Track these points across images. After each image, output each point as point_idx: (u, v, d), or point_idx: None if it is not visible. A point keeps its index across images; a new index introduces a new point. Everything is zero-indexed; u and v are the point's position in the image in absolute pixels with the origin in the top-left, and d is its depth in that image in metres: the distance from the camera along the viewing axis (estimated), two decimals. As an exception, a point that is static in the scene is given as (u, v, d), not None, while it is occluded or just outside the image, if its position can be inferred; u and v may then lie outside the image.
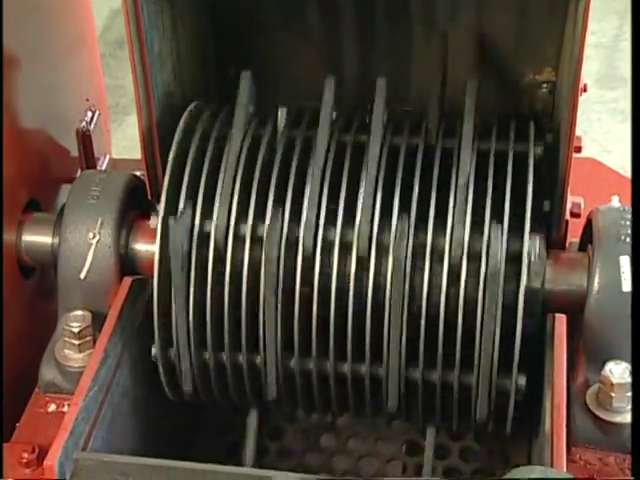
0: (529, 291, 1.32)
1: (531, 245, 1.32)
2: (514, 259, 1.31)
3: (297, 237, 1.33)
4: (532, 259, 1.33)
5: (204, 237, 1.35)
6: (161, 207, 1.37)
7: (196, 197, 1.37)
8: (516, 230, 1.31)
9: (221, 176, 1.37)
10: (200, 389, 1.42)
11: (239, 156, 1.38)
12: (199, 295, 1.34)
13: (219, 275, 1.34)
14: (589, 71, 1.32)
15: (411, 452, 1.58)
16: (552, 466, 1.20)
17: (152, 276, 1.37)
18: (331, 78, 1.41)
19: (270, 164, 1.38)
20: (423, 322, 1.31)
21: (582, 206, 1.48)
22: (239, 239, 1.35)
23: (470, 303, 1.30)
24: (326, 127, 1.38)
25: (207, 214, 1.36)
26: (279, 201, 1.35)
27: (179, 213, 1.35)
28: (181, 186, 1.37)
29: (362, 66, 1.63)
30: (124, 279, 1.45)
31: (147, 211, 1.53)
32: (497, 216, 1.31)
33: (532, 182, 1.33)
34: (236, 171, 1.36)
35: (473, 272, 1.30)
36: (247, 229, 1.35)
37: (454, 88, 1.44)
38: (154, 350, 1.39)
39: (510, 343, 1.29)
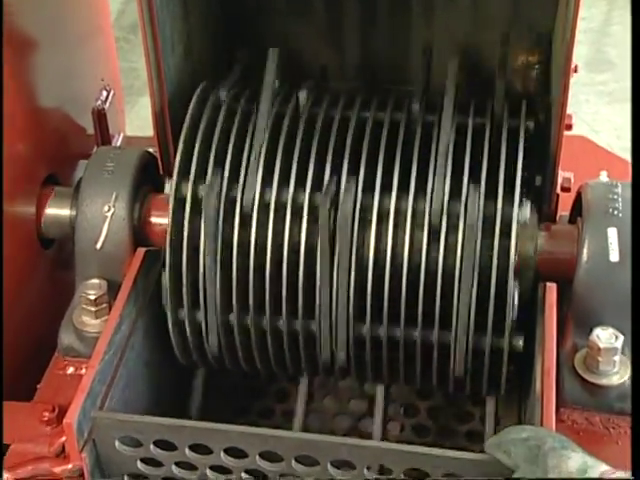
0: (523, 253, 1.31)
1: (522, 209, 1.30)
2: (507, 224, 1.30)
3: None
4: (524, 222, 1.31)
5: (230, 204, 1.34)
6: (175, 170, 1.37)
7: (207, 165, 1.36)
8: (509, 196, 1.30)
9: (247, 145, 1.36)
10: (224, 351, 1.40)
11: (265, 127, 1.36)
12: (227, 259, 1.33)
13: (245, 241, 1.33)
14: (578, 55, 1.32)
15: (409, 414, 1.58)
16: (542, 425, 1.19)
17: (165, 246, 1.36)
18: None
19: (294, 136, 1.37)
20: (422, 281, 1.30)
21: (572, 181, 1.48)
22: (264, 206, 1.34)
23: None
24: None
25: (232, 180, 1.35)
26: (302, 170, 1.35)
27: (207, 180, 1.34)
28: (193, 154, 1.36)
29: (363, 49, 1.62)
30: (137, 250, 1.44)
31: (159, 185, 1.53)
32: (492, 182, 1.30)
33: (522, 150, 1.32)
34: (263, 141, 1.35)
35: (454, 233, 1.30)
36: (272, 196, 1.33)
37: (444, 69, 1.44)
38: (170, 319, 1.38)
39: (504, 304, 1.28)
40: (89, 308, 1.42)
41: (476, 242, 1.28)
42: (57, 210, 1.53)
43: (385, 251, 1.31)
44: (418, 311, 1.30)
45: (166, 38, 1.42)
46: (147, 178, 1.52)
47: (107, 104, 1.79)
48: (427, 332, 1.32)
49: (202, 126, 1.38)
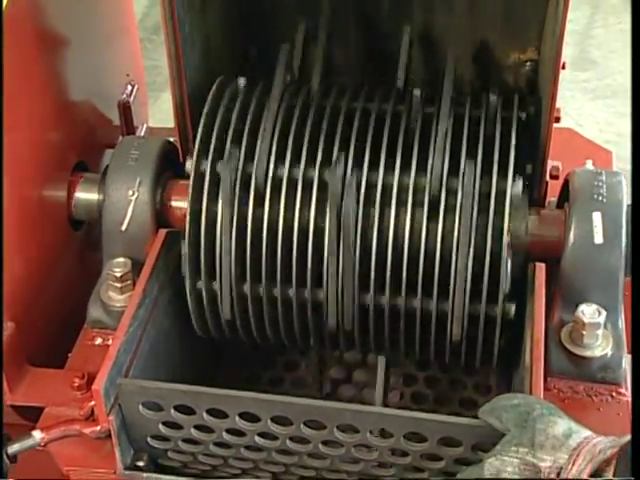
0: (515, 232, 1.31)
1: (516, 183, 1.29)
2: (502, 197, 1.28)
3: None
4: (517, 196, 1.29)
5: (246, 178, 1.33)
6: (195, 148, 1.35)
7: (224, 145, 1.34)
8: (503, 171, 1.29)
9: (261, 127, 1.34)
10: (237, 319, 1.38)
11: (277, 113, 1.35)
12: (242, 230, 1.32)
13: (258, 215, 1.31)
14: (564, 55, 1.31)
15: (407, 383, 1.58)
16: (531, 394, 1.19)
17: (184, 227, 1.35)
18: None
19: (305, 118, 1.36)
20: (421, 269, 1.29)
21: (560, 169, 1.47)
22: (277, 181, 1.32)
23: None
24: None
25: (247, 157, 1.34)
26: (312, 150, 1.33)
27: (226, 156, 1.32)
28: (212, 135, 1.35)
29: (367, 46, 1.60)
30: (159, 231, 1.43)
31: (179, 172, 1.51)
32: (488, 161, 1.29)
33: (515, 135, 1.31)
34: (275, 123, 1.34)
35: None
36: (284, 171, 1.32)
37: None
38: (187, 288, 1.36)
39: (498, 275, 1.27)
40: (115, 284, 1.41)
41: (472, 213, 1.26)
42: (86, 194, 1.52)
43: (388, 225, 1.29)
44: (418, 280, 1.29)
45: (186, 36, 1.41)
46: (168, 165, 1.50)
47: (132, 98, 1.78)
48: (427, 300, 1.30)
49: (221, 111, 1.37)
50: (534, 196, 1.42)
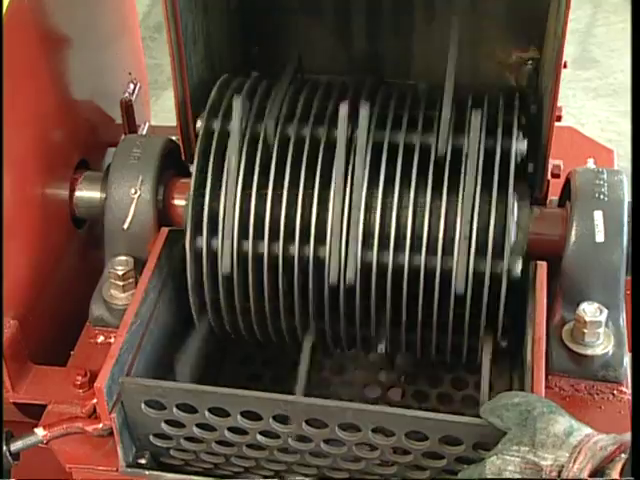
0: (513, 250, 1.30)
1: (520, 142, 1.30)
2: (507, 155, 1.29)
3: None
4: (517, 208, 1.30)
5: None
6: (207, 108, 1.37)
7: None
8: (503, 188, 1.28)
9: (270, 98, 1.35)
10: (236, 280, 1.35)
11: (282, 103, 1.36)
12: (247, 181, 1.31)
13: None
14: (566, 54, 1.31)
15: (409, 381, 1.57)
16: (532, 392, 1.18)
17: (185, 227, 1.35)
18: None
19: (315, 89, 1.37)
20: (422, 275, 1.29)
21: (562, 168, 1.46)
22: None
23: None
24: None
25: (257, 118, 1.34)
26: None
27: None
28: (212, 144, 1.35)
29: (370, 45, 1.60)
30: (161, 229, 1.43)
31: (181, 170, 1.51)
32: (487, 176, 1.28)
33: (515, 144, 1.30)
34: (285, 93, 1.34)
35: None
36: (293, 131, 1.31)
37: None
38: (190, 288, 1.36)
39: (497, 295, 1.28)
40: (117, 282, 1.41)
41: (477, 169, 1.25)
42: (88, 193, 1.52)
43: (394, 182, 1.28)
44: (423, 238, 1.28)
45: (188, 35, 1.41)
46: (170, 164, 1.50)
47: (134, 96, 1.78)
48: (431, 257, 1.29)
49: (228, 94, 1.38)
50: (536, 195, 1.41)
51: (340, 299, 1.34)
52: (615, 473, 0.98)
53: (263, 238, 1.31)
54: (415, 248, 1.28)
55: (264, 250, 1.32)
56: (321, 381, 1.57)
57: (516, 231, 1.32)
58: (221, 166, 1.34)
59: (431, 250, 1.28)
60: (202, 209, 1.33)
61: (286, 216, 1.30)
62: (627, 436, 1.00)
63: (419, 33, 1.56)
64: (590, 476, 1.00)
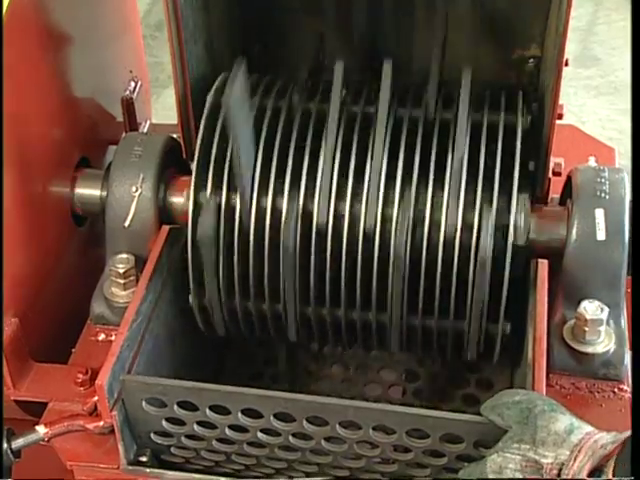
0: (515, 246, 1.30)
1: (518, 205, 1.29)
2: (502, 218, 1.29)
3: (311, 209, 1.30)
4: (518, 220, 1.30)
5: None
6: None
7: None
8: (505, 193, 1.29)
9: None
10: (231, 330, 1.40)
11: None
12: (227, 253, 1.32)
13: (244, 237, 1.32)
14: (567, 51, 1.31)
15: (410, 379, 1.57)
16: (533, 390, 1.18)
17: (186, 225, 1.35)
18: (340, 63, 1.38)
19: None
20: (423, 275, 1.29)
21: (563, 166, 1.46)
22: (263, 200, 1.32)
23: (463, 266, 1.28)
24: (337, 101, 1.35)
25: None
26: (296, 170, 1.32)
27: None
28: (213, 142, 1.34)
29: (371, 44, 1.59)
30: (162, 227, 1.43)
31: (182, 168, 1.51)
32: (488, 182, 1.28)
33: (519, 147, 1.30)
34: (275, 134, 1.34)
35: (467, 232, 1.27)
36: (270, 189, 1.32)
37: (452, 63, 1.41)
38: (191, 299, 1.37)
39: (498, 291, 1.27)
40: (118, 280, 1.41)
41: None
42: (89, 190, 1.52)
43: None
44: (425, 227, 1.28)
45: (189, 31, 1.40)
46: (171, 161, 1.50)
47: (135, 94, 1.78)
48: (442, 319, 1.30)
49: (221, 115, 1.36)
50: (537, 193, 1.41)
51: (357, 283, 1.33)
52: (610, 471, 0.98)
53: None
54: (433, 233, 1.28)
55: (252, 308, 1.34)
56: (324, 378, 1.58)
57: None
58: (222, 164, 1.34)
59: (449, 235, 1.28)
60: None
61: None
62: (627, 434, 1.00)
63: (420, 31, 1.56)
64: (589, 474, 1.00)
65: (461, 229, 1.27)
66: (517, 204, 1.28)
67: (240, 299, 1.35)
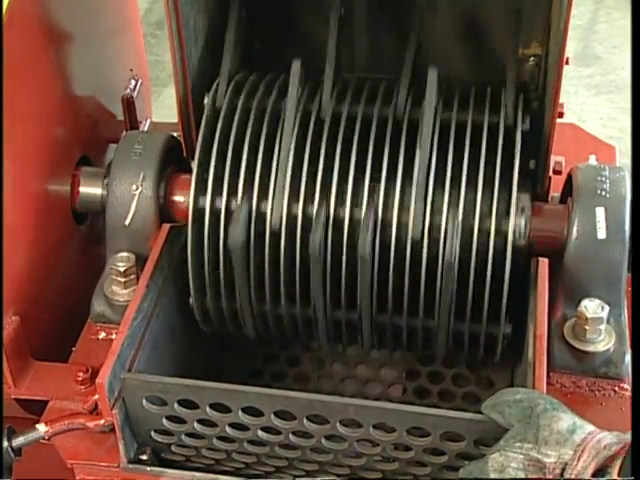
0: (515, 245, 1.30)
1: (519, 204, 1.30)
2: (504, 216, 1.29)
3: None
4: (518, 220, 1.31)
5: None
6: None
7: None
8: (505, 192, 1.29)
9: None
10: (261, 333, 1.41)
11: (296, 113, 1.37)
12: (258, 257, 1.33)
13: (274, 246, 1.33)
14: (567, 50, 1.30)
15: (410, 377, 1.57)
16: (534, 388, 1.18)
17: (187, 224, 1.35)
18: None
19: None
20: (423, 276, 1.29)
21: (563, 164, 1.46)
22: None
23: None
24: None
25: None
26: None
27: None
28: (213, 141, 1.34)
29: (371, 42, 1.59)
30: (163, 226, 1.43)
31: (183, 167, 1.51)
32: (489, 180, 1.29)
33: (520, 147, 1.30)
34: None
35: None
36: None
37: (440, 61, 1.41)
38: (191, 300, 1.38)
39: (499, 291, 1.27)
40: (118, 279, 1.41)
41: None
42: (90, 189, 1.51)
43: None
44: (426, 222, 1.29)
45: (189, 31, 1.40)
46: (172, 160, 1.50)
47: (135, 92, 1.78)
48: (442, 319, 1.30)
49: (221, 115, 1.37)
50: (537, 191, 1.41)
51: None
52: (615, 472, 0.98)
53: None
54: (432, 236, 1.29)
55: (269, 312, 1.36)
56: (324, 377, 1.58)
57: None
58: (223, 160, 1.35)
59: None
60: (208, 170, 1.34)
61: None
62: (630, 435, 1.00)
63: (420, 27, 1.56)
64: (593, 474, 1.00)
65: (429, 231, 1.28)
66: (517, 203, 1.28)
67: (271, 305, 1.36)
